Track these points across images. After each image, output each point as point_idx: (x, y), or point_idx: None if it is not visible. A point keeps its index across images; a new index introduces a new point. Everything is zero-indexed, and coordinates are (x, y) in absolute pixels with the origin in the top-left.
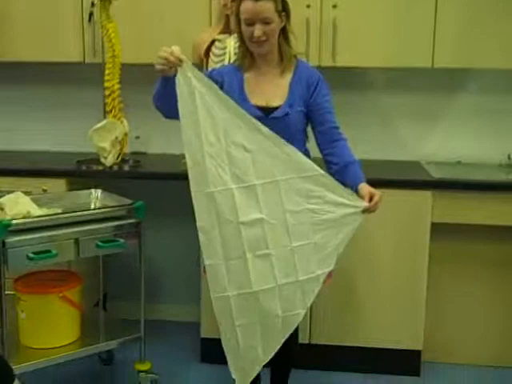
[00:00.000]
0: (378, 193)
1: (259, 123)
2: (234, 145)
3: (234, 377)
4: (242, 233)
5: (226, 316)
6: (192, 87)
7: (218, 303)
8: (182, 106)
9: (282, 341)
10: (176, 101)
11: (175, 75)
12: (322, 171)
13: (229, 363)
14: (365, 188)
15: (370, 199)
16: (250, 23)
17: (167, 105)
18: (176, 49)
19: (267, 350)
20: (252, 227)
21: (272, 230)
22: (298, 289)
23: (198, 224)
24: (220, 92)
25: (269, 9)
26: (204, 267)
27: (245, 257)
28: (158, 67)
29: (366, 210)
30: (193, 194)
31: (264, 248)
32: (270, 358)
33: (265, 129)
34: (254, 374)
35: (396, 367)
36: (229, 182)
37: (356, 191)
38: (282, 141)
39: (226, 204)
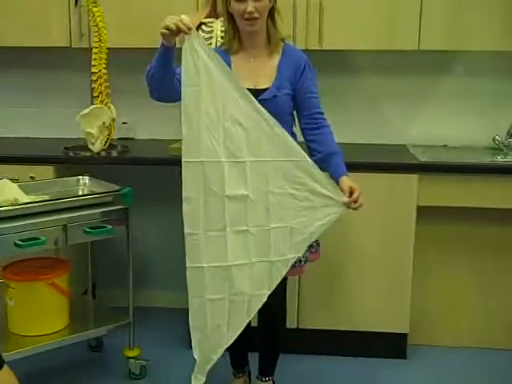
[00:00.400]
0: (357, 188)
1: (257, 102)
2: (231, 120)
3: (195, 356)
4: (225, 206)
5: (198, 289)
6: (198, 57)
7: (192, 274)
8: (186, 75)
9: (245, 323)
10: (167, 80)
11: (173, 47)
12: (309, 159)
13: (193, 342)
14: (345, 182)
15: (350, 194)
16: None
17: (160, 81)
18: (185, 17)
19: (232, 330)
20: (235, 202)
21: (253, 208)
22: (267, 269)
23: (184, 194)
24: (225, 66)
25: None
26: None
27: (225, 230)
28: (164, 31)
29: (347, 204)
30: (183, 164)
31: (243, 224)
32: (231, 341)
33: (261, 108)
34: (216, 358)
35: (383, 350)
36: (221, 155)
37: (337, 183)
38: (276, 122)
39: (215, 176)
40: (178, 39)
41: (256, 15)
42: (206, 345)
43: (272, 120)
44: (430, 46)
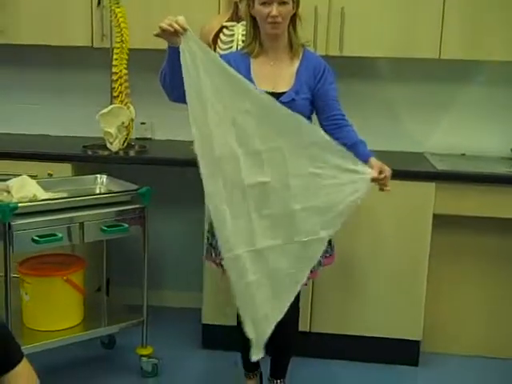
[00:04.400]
0: (388, 169)
1: (261, 90)
2: (239, 111)
3: (251, 336)
4: (246, 195)
5: (240, 275)
6: (195, 56)
7: (229, 263)
8: (186, 75)
9: (292, 299)
10: (179, 80)
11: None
12: (327, 137)
13: (245, 324)
14: (375, 161)
15: (380, 173)
16: (267, 2)
17: (172, 83)
18: (181, 17)
19: (277, 307)
20: (256, 189)
21: (275, 193)
22: (301, 249)
23: (206, 190)
24: (222, 62)
25: None
26: (206, 253)
27: (250, 216)
28: (156, 32)
29: (375, 180)
30: (200, 161)
31: (268, 209)
32: (280, 317)
33: (266, 96)
34: (269, 332)
35: (395, 357)
36: (234, 147)
37: (367, 164)
38: (286, 108)
39: (232, 169)
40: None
41: (279, 19)
42: (259, 324)
43: (282, 106)
44: (450, 55)
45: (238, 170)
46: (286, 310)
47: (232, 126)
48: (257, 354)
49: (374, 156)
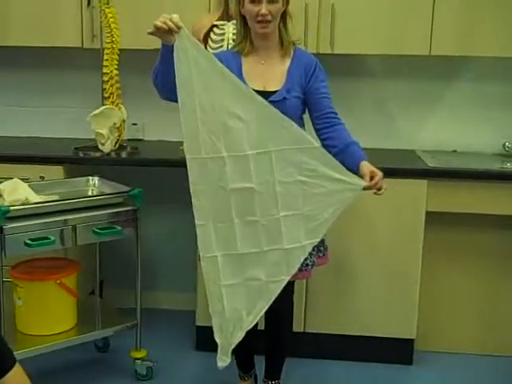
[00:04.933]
0: (379, 173)
1: (254, 93)
2: (229, 114)
3: (217, 339)
4: (231, 199)
5: (213, 276)
6: (189, 55)
7: (206, 263)
8: (179, 74)
9: (266, 307)
10: (170, 78)
11: (173, 45)
12: (317, 144)
13: (213, 326)
14: (366, 166)
15: (371, 178)
16: (257, 0)
17: (164, 81)
18: (175, 16)
19: (251, 313)
20: (241, 195)
21: (261, 199)
22: (282, 256)
23: (191, 188)
24: (216, 61)
25: None
26: (199, 256)
27: (232, 221)
28: (150, 30)
29: (368, 189)
30: (187, 159)
31: (252, 215)
32: (253, 324)
33: (260, 98)
34: (236, 341)
35: (389, 356)
36: (222, 149)
37: (357, 169)
38: (278, 112)
39: (218, 171)
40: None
41: (269, 18)
42: (227, 328)
43: (273, 109)
44: (441, 51)
45: (223, 172)
46: (258, 318)
47: (221, 128)
48: (223, 361)
49: (366, 154)
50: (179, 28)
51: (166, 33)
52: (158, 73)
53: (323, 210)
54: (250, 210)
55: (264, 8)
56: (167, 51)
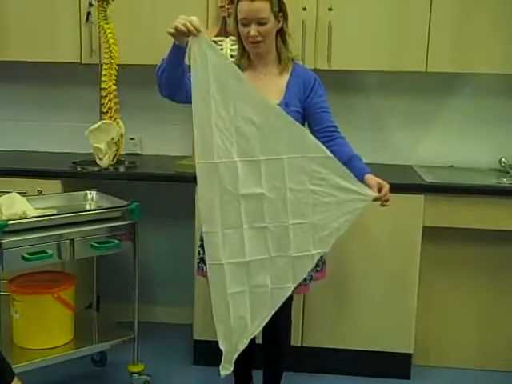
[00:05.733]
0: (386, 184)
1: (269, 99)
2: (243, 119)
3: (221, 347)
4: (241, 204)
5: (219, 284)
6: (206, 58)
7: (213, 271)
8: (195, 77)
9: (271, 314)
10: (176, 78)
11: (185, 48)
12: (330, 154)
13: (218, 334)
14: (372, 179)
15: (379, 190)
16: (246, 23)
17: (169, 79)
18: (195, 18)
19: (255, 321)
20: (251, 200)
21: (271, 206)
22: (289, 264)
23: (199, 194)
24: (233, 65)
25: (264, 9)
26: (197, 268)
27: (241, 227)
28: (171, 30)
29: (377, 200)
30: (197, 166)
31: (261, 221)
32: (257, 331)
33: (276, 106)
34: (241, 348)
35: (387, 370)
36: (234, 154)
37: (362, 182)
38: (292, 120)
39: (229, 175)
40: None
41: (259, 39)
42: (232, 336)
43: (287, 117)
44: (437, 67)
45: (235, 177)
46: (263, 325)
47: (235, 133)
48: (226, 369)
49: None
50: (198, 31)
51: (183, 35)
52: (165, 70)
53: (333, 219)
54: (259, 216)
55: (253, 30)
56: (178, 51)
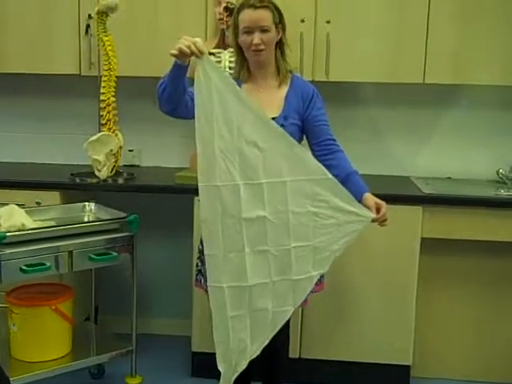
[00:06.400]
0: (384, 204)
1: (273, 122)
2: (246, 141)
3: (220, 368)
4: (243, 228)
5: (220, 306)
6: (210, 80)
7: (214, 293)
8: (198, 98)
9: (271, 336)
10: (177, 96)
11: (187, 66)
12: (330, 175)
13: (217, 355)
14: (370, 198)
15: (377, 210)
16: (249, 31)
17: (170, 96)
18: (199, 40)
19: (255, 343)
20: (254, 224)
21: (273, 229)
22: (290, 287)
23: (202, 216)
24: (237, 87)
25: (267, 17)
26: (195, 280)
27: (243, 251)
28: (174, 52)
29: (375, 221)
30: (199, 187)
31: (263, 244)
32: (257, 353)
33: (279, 128)
34: (240, 370)
35: (385, 382)
36: (237, 177)
37: (360, 201)
38: (294, 141)
39: (231, 199)
40: (189, 69)
41: (262, 47)
42: (231, 357)
43: (290, 139)
44: (434, 79)
45: (237, 201)
46: (262, 347)
47: (237, 155)
48: None
49: (363, 180)
50: (202, 53)
51: (186, 56)
52: (166, 88)
53: (333, 241)
54: (261, 239)
55: (256, 38)
56: (179, 70)
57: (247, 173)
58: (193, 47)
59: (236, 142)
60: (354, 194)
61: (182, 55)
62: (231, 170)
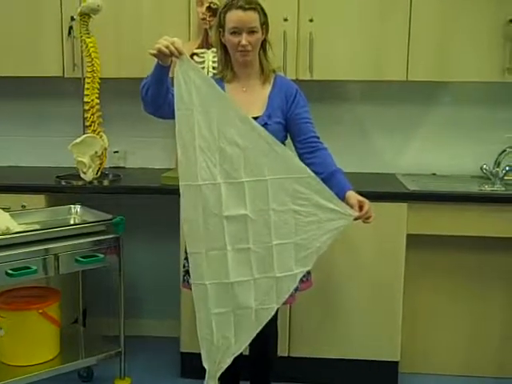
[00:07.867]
0: (366, 201)
1: (253, 120)
2: (227, 141)
3: (205, 366)
4: (224, 226)
5: (203, 304)
6: (189, 80)
7: (197, 291)
8: (178, 98)
9: (254, 334)
10: (160, 96)
11: (169, 66)
12: (312, 173)
13: (202, 353)
14: (353, 196)
15: (360, 208)
16: (238, 32)
17: (153, 97)
18: (177, 40)
19: (239, 341)
20: (235, 222)
21: (254, 227)
22: (273, 284)
23: (183, 215)
24: (217, 87)
25: (256, 19)
26: (183, 281)
27: (225, 249)
28: (153, 51)
29: (358, 219)
30: (180, 186)
31: (244, 242)
32: (241, 350)
33: (259, 127)
34: (225, 366)
35: (374, 379)
36: (217, 176)
37: (343, 199)
38: (275, 140)
39: (213, 197)
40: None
41: (249, 48)
42: (215, 354)
43: (271, 138)
44: (417, 76)
45: (219, 199)
46: (246, 344)
47: (218, 154)
48: None
49: (347, 178)
50: (181, 53)
51: (166, 56)
52: (149, 88)
53: (315, 238)
54: (243, 237)
55: (244, 39)
56: (161, 70)
57: (228, 172)
58: (171, 47)
59: (217, 141)
60: (337, 191)
61: (161, 55)
62: (212, 169)
